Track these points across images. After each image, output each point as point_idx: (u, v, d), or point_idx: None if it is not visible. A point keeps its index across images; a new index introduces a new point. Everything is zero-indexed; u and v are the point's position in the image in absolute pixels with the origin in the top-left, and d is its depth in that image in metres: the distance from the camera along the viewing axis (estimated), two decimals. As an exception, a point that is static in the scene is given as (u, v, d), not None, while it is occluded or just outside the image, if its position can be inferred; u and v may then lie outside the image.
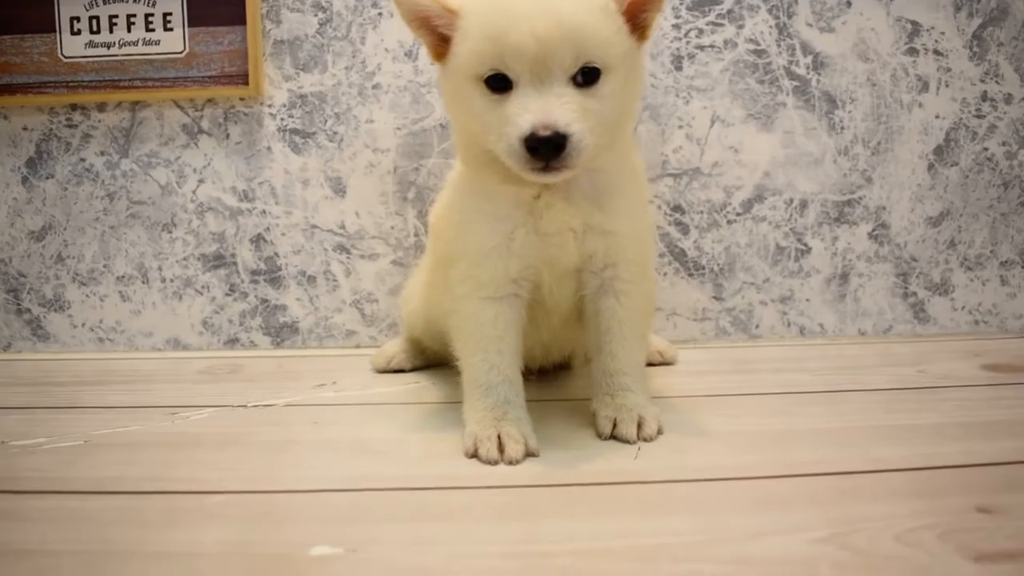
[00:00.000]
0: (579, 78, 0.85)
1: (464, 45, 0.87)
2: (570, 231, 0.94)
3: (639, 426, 0.93)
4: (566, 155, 0.83)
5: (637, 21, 0.90)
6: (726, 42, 1.35)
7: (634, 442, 0.92)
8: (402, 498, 0.80)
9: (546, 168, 0.84)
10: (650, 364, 1.20)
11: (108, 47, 1.33)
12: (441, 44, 0.91)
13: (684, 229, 1.38)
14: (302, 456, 0.91)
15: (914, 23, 1.37)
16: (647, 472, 0.84)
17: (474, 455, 0.88)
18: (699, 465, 0.86)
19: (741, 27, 1.35)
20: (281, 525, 0.74)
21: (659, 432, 0.94)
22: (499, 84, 0.86)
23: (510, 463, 0.86)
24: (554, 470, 0.85)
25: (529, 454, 0.88)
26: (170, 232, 1.38)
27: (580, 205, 0.93)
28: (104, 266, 1.39)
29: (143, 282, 1.39)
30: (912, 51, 1.37)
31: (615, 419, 0.93)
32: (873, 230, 1.40)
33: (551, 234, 0.94)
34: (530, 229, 0.93)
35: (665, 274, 1.38)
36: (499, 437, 0.88)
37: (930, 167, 1.39)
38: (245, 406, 1.09)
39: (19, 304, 1.39)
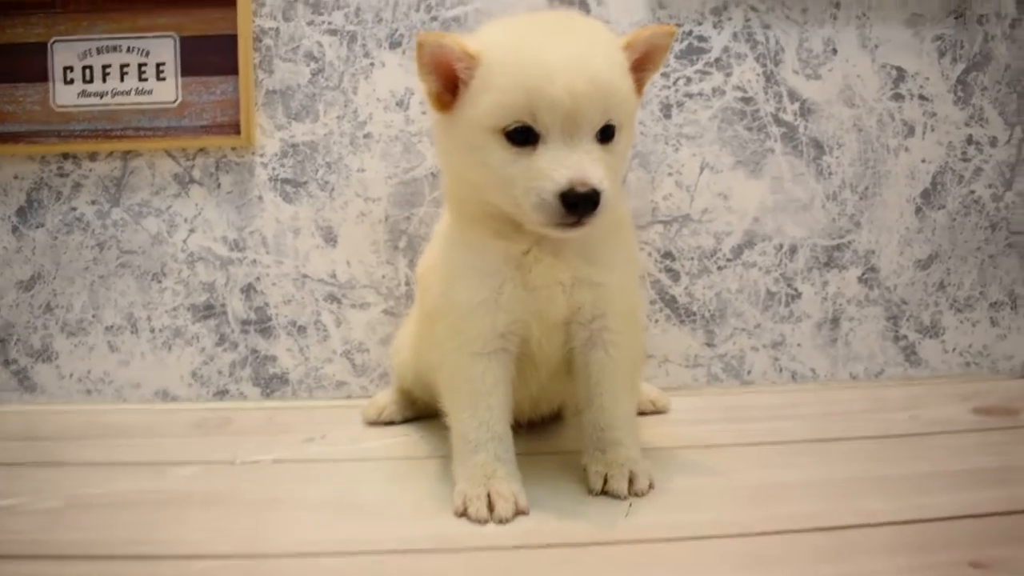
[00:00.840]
0: (599, 135, 0.86)
1: (485, 96, 0.86)
2: (558, 284, 0.94)
3: (630, 481, 0.92)
4: (598, 211, 0.84)
5: (636, 79, 0.92)
6: (714, 90, 1.36)
7: (625, 498, 0.91)
8: (390, 562, 0.79)
9: (576, 223, 0.84)
10: (642, 413, 1.19)
11: (101, 96, 1.33)
12: (447, 93, 0.90)
13: (675, 276, 1.38)
14: (289, 516, 0.90)
15: (899, 69, 1.38)
16: (638, 530, 0.84)
17: (463, 514, 0.87)
18: (690, 522, 0.85)
19: (729, 75, 1.36)
20: (267, 592, 0.74)
21: (650, 487, 0.93)
22: (523, 137, 0.85)
23: (500, 522, 0.86)
24: (544, 529, 0.85)
25: (519, 512, 0.88)
26: (160, 282, 1.37)
27: (569, 259, 0.94)
28: (93, 316, 1.38)
29: (132, 332, 1.38)
30: (898, 96, 1.38)
31: (606, 474, 0.93)
32: (863, 274, 1.40)
33: (539, 288, 0.94)
34: (518, 283, 0.93)
35: (656, 321, 1.38)
36: (488, 495, 0.87)
37: (918, 210, 1.40)
38: (232, 463, 1.08)
39: (6, 355, 1.38)
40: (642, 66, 0.92)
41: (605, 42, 0.89)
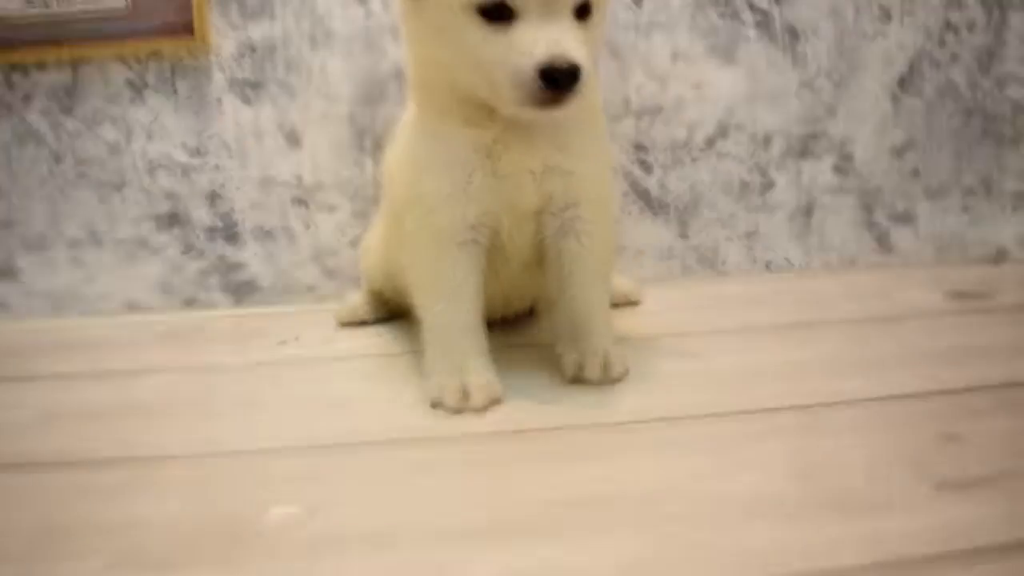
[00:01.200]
0: (576, 11, 0.83)
1: None
2: (529, 172, 0.91)
3: (605, 368, 0.91)
4: (578, 89, 0.80)
5: None
6: (685, -25, 1.32)
7: (600, 383, 0.91)
8: (365, 454, 0.79)
9: (553, 101, 0.81)
10: (615, 306, 1.19)
11: (46, 4, 1.27)
12: None
13: (647, 168, 1.36)
14: (265, 416, 0.89)
15: (875, -50, 1.34)
16: (614, 414, 0.84)
17: (438, 405, 0.87)
18: (666, 404, 0.85)
19: (699, -41, 1.32)
20: (240, 488, 0.73)
21: (625, 373, 0.93)
22: (498, 14, 0.81)
23: (475, 411, 0.85)
24: (519, 416, 0.84)
25: (494, 401, 0.87)
26: (120, 192, 1.34)
27: (539, 146, 0.91)
28: (55, 230, 1.35)
29: (95, 245, 1.35)
30: (874, -21, 1.35)
31: (580, 362, 0.92)
32: (837, 162, 1.39)
33: (509, 176, 0.91)
34: (487, 172, 0.90)
35: (629, 213, 1.37)
36: (463, 385, 0.87)
37: (893, 98, 1.38)
38: (206, 367, 1.06)
39: (-32, 272, 1.35)
40: None
41: None
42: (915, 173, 1.40)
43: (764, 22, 1.34)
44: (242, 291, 1.36)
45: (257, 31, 1.29)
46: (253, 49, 1.30)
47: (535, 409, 0.86)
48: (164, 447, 0.83)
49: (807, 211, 1.39)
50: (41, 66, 1.30)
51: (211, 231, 1.35)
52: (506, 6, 0.81)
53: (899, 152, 1.40)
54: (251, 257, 1.35)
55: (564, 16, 0.82)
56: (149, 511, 0.69)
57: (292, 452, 0.80)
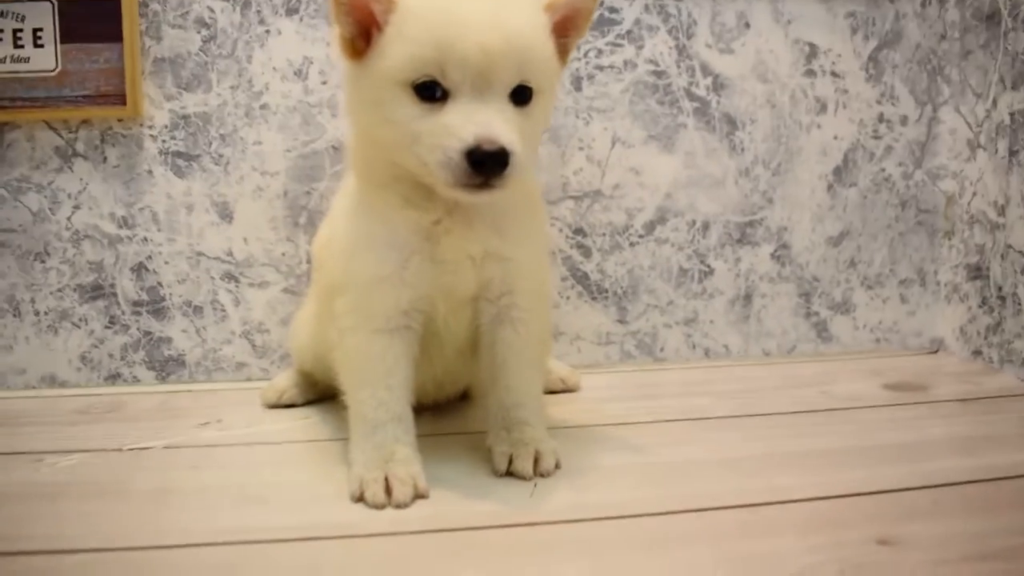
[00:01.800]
0: (513, 96, 0.82)
1: (397, 47, 0.81)
2: (468, 258, 0.89)
3: (536, 461, 0.88)
4: (507, 173, 0.78)
5: (559, 44, 0.87)
6: (626, 63, 1.33)
7: (531, 478, 0.88)
8: (280, 551, 0.74)
9: (482, 185, 0.79)
10: (552, 392, 1.17)
11: (-26, 65, 1.24)
12: (360, 39, 0.84)
13: (586, 252, 1.35)
14: (177, 506, 0.85)
15: (812, 45, 1.37)
16: (543, 512, 0.81)
17: (360, 499, 0.83)
18: (598, 502, 0.82)
19: (641, 48, 1.33)
20: (140, 587, 0.68)
21: (557, 467, 0.90)
22: (431, 93, 0.80)
23: (398, 507, 0.82)
24: (445, 512, 0.81)
25: (419, 496, 0.83)
26: (43, 262, 1.28)
27: (479, 231, 0.89)
28: (-29, 299, 1.29)
29: (14, 315, 1.29)
30: (810, 72, 1.38)
31: (511, 454, 0.89)
32: (775, 250, 1.39)
33: (448, 262, 0.89)
34: (425, 257, 0.88)
35: (568, 298, 1.35)
36: (386, 479, 0.83)
37: (829, 187, 1.40)
38: (120, 450, 1.01)
39: None
40: (564, 30, 0.87)
41: (526, 1, 0.84)
42: (852, 263, 1.42)
43: (702, 110, 1.35)
44: (167, 367, 1.31)
45: (192, 102, 1.27)
46: (187, 120, 1.27)
47: (462, 505, 0.83)
48: (64, 538, 0.77)
49: (746, 299, 1.39)
50: (-34, 129, 1.26)
51: (137, 304, 1.30)
52: (439, 85, 0.80)
53: (835, 241, 1.41)
54: (178, 332, 1.30)
55: (498, 98, 0.80)
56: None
57: (202, 549, 0.75)
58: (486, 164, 0.78)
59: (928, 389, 1.21)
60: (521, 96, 0.83)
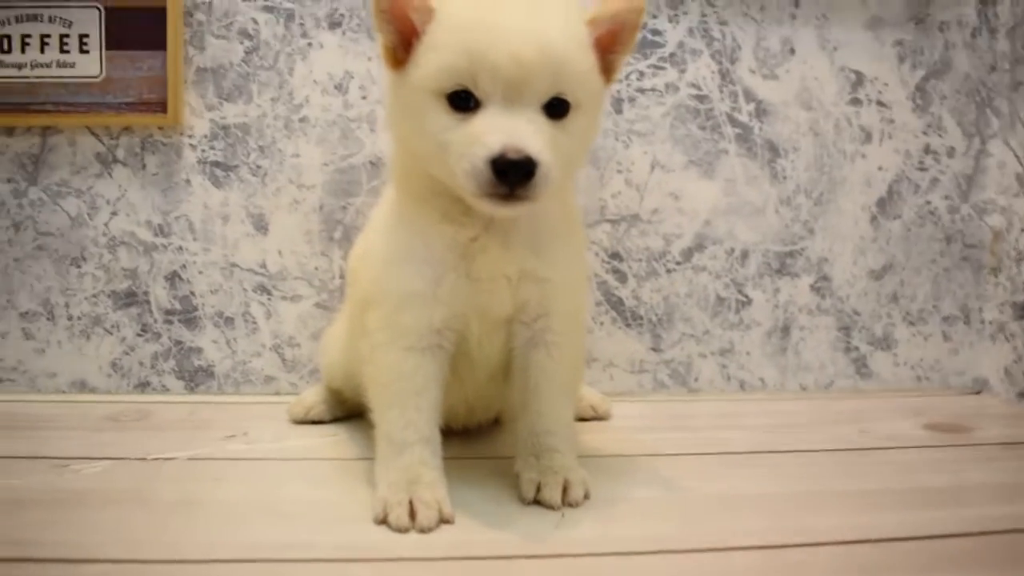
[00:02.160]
0: (549, 108, 0.80)
1: (432, 56, 0.80)
2: (504, 277, 0.88)
3: (564, 490, 0.86)
4: (534, 184, 0.77)
5: (605, 61, 0.86)
6: (667, 86, 1.31)
7: (558, 508, 0.85)
8: (300, 571, 0.73)
9: (509, 196, 0.77)
10: (582, 419, 1.15)
11: (19, 68, 1.25)
12: (401, 48, 0.83)
13: (622, 277, 1.33)
14: (197, 519, 0.84)
15: (858, 73, 1.35)
16: (569, 544, 0.79)
17: (384, 521, 0.81)
18: (624, 536, 0.80)
19: (683, 71, 1.31)
20: (158, 605, 0.67)
21: (586, 497, 0.88)
22: (464, 103, 0.79)
23: (422, 531, 0.80)
24: (469, 540, 0.79)
25: (443, 521, 0.82)
26: (79, 267, 1.29)
27: (517, 250, 0.87)
28: (7, 301, 1.29)
29: (48, 319, 1.30)
30: (856, 101, 1.35)
31: (539, 482, 0.87)
32: (815, 282, 1.36)
33: (483, 280, 0.87)
34: (461, 274, 0.87)
35: (602, 324, 1.33)
36: (411, 502, 0.81)
37: (873, 219, 1.37)
38: (145, 459, 1.00)
39: (-88, 340, 1.29)
40: (610, 46, 0.85)
41: (565, 12, 0.83)
42: (894, 297, 1.38)
43: (744, 136, 1.33)
44: (196, 378, 1.31)
45: (232, 112, 1.27)
46: (227, 130, 1.27)
47: (487, 533, 0.81)
48: (86, 547, 0.77)
49: (784, 331, 1.36)
50: (9, 131, 1.27)
51: (169, 313, 1.30)
52: (471, 95, 0.79)
53: (878, 275, 1.38)
54: (208, 343, 1.30)
55: (529, 109, 0.79)
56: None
57: (219, 567, 0.74)
58: (510, 173, 0.76)
59: (970, 431, 1.17)
60: (557, 109, 0.81)
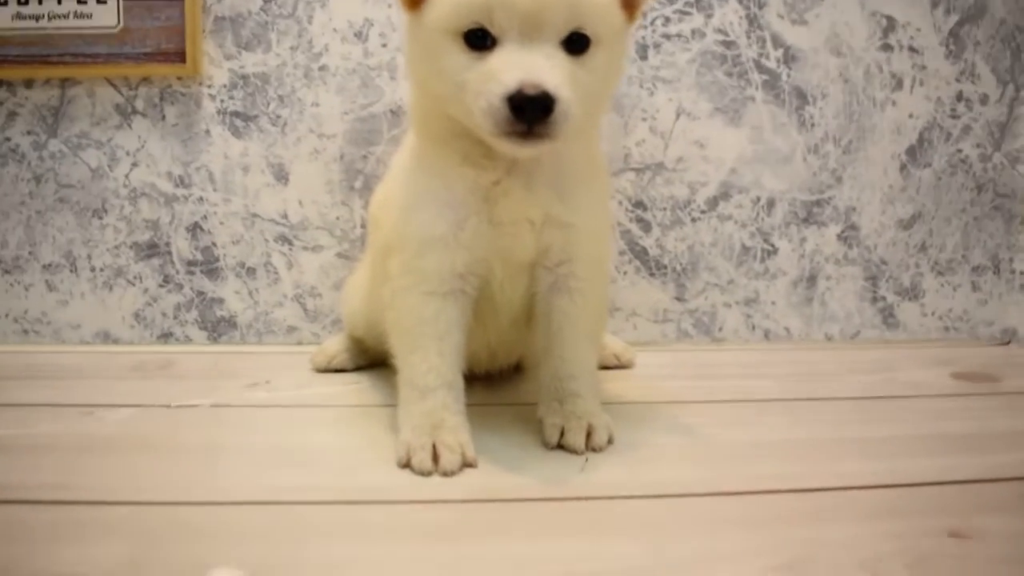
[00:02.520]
0: (568, 44, 0.78)
1: None
2: (527, 221, 0.86)
3: (588, 435, 0.86)
4: (552, 120, 0.75)
5: None
6: (693, 32, 1.29)
7: (582, 452, 0.85)
8: (322, 513, 0.73)
9: (527, 134, 0.76)
10: (605, 367, 1.14)
11: (36, 19, 1.24)
12: None
13: (646, 226, 1.31)
14: (222, 463, 0.83)
15: (889, 18, 1.31)
16: (593, 487, 0.78)
17: (407, 465, 0.81)
18: (650, 480, 0.79)
19: (710, 16, 1.29)
20: (182, 542, 0.67)
21: (609, 442, 0.87)
22: (481, 41, 0.78)
23: (445, 474, 0.79)
24: (493, 483, 0.78)
25: (466, 464, 0.81)
26: (101, 218, 1.29)
27: (541, 194, 0.86)
28: (30, 253, 1.30)
29: (71, 271, 1.30)
30: (887, 47, 1.32)
31: (563, 427, 0.86)
32: (842, 232, 1.34)
33: (506, 224, 0.86)
34: (483, 218, 0.85)
35: (625, 273, 1.32)
36: (434, 446, 0.81)
37: (902, 168, 1.34)
38: (169, 406, 1.01)
39: (-63, 292, 1.30)
40: None
41: None
42: (922, 247, 1.36)
43: (771, 83, 1.31)
44: (219, 328, 1.31)
45: (251, 62, 1.26)
46: (246, 80, 1.26)
47: (510, 476, 0.80)
48: (113, 490, 0.77)
49: (810, 281, 1.34)
50: (28, 83, 1.27)
51: (191, 264, 1.30)
52: (487, 32, 0.77)
53: (906, 224, 1.35)
54: (230, 293, 1.30)
55: (547, 44, 0.77)
56: (76, 561, 0.63)
57: (245, 507, 0.74)
58: (527, 110, 0.74)
59: (999, 380, 1.15)
60: (577, 45, 0.79)
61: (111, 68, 1.25)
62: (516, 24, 0.76)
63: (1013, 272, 1.38)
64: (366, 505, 0.75)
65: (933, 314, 1.38)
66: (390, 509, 0.74)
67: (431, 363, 0.86)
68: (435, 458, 0.80)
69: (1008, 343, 1.37)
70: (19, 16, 1.24)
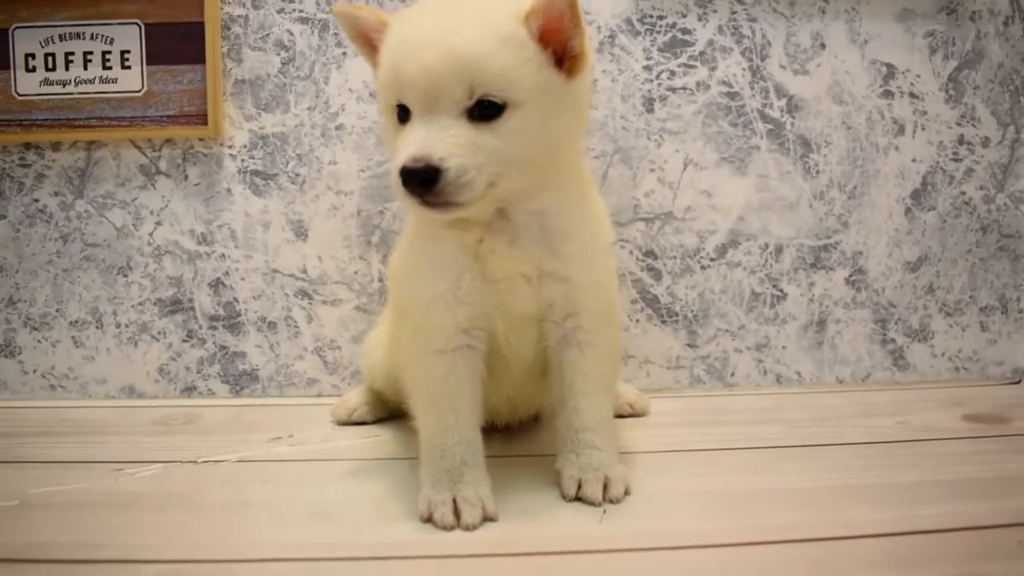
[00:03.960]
0: (476, 111, 0.81)
1: (379, 72, 0.86)
2: (521, 277, 0.89)
3: (605, 487, 0.88)
4: (439, 189, 0.79)
5: (559, 53, 0.83)
6: (698, 84, 1.32)
7: (600, 504, 0.87)
8: (347, 570, 0.75)
9: (425, 203, 0.80)
10: (620, 416, 1.16)
11: (64, 85, 1.29)
12: (376, 65, 0.89)
13: (657, 275, 1.34)
14: (249, 520, 0.86)
15: (889, 66, 1.35)
16: (612, 539, 0.80)
17: (429, 520, 0.83)
18: (667, 531, 0.81)
19: (714, 69, 1.32)
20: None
21: (626, 493, 0.89)
22: (404, 115, 0.83)
23: (466, 529, 0.82)
24: (513, 536, 0.81)
25: (487, 518, 0.83)
26: (126, 276, 1.33)
27: (528, 250, 0.89)
28: (57, 310, 1.33)
29: (97, 327, 1.34)
30: (887, 94, 1.35)
31: (580, 479, 0.89)
32: (850, 275, 1.36)
33: (499, 280, 0.89)
34: (476, 275, 0.88)
35: (637, 321, 1.34)
36: (455, 501, 0.83)
37: (907, 211, 1.37)
38: (195, 462, 1.03)
39: (-33, 350, 1.34)
40: (557, 36, 0.82)
41: (487, 15, 0.82)
42: (930, 289, 1.38)
43: (776, 132, 1.34)
44: (241, 381, 1.34)
45: (270, 122, 1.30)
46: (265, 140, 1.30)
47: (530, 529, 0.82)
48: (141, 549, 0.79)
49: (819, 324, 1.37)
50: (56, 146, 1.31)
51: (213, 319, 1.33)
52: (405, 107, 0.83)
53: (913, 267, 1.37)
54: (252, 347, 1.33)
55: (445, 116, 0.80)
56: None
57: (271, 564, 0.76)
58: (409, 182, 0.79)
59: (1009, 421, 1.17)
60: (488, 111, 0.81)
61: (136, 131, 1.29)
62: (419, 99, 0.81)
63: (1021, 312, 1.40)
64: (390, 560, 0.77)
65: (943, 355, 1.39)
66: (414, 564, 0.76)
67: (447, 422, 0.89)
68: (456, 513, 0.83)
69: (1019, 382, 1.39)
70: (47, 82, 1.29)
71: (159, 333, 1.33)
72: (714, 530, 0.81)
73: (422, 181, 0.78)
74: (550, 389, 0.96)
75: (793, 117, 1.34)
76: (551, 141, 0.85)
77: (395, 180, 0.80)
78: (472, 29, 0.80)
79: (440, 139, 0.79)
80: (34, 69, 1.29)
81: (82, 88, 1.29)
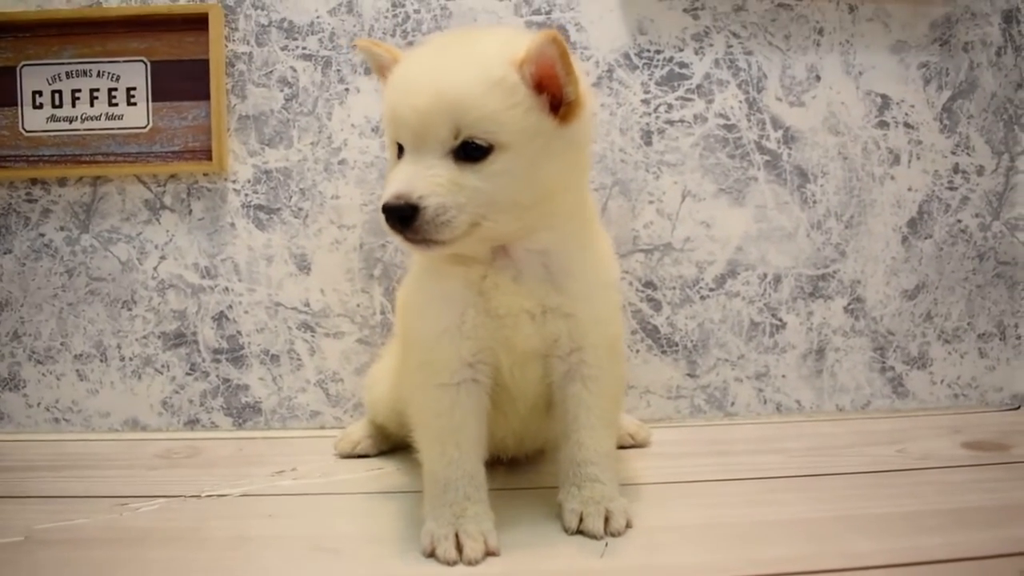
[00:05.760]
0: (462, 152, 0.82)
1: (383, 109, 0.91)
2: (524, 312, 0.90)
3: (606, 520, 0.88)
4: (417, 226, 0.81)
5: (553, 98, 0.85)
6: (696, 117, 1.34)
7: (601, 537, 0.87)
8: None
9: (406, 239, 0.83)
10: (621, 447, 1.16)
11: (70, 121, 1.31)
12: None
13: (656, 305, 1.35)
14: (253, 556, 0.87)
15: (884, 96, 1.36)
16: (613, 572, 0.81)
17: (431, 554, 0.84)
18: (668, 564, 0.82)
19: (711, 102, 1.34)
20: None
21: (628, 526, 0.89)
22: (400, 152, 0.86)
23: (469, 564, 0.82)
24: (515, 570, 0.81)
25: (489, 553, 0.84)
26: (130, 309, 1.34)
27: (532, 286, 0.90)
28: (61, 344, 1.34)
29: (101, 360, 1.34)
30: (883, 124, 1.37)
31: (581, 512, 0.89)
32: (848, 304, 1.38)
33: (503, 316, 0.90)
34: (480, 310, 0.90)
35: (638, 351, 1.35)
36: (457, 536, 0.84)
37: (904, 240, 1.38)
38: (199, 496, 1.04)
39: (-28, 384, 1.35)
40: (550, 81, 0.84)
41: (481, 58, 0.83)
42: (928, 316, 1.39)
43: (773, 163, 1.35)
44: (244, 414, 1.34)
45: (273, 158, 1.32)
46: (269, 175, 1.32)
47: (532, 563, 0.83)
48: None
49: (819, 353, 1.37)
50: (62, 182, 1.33)
51: (217, 352, 1.34)
52: (401, 145, 0.86)
53: (911, 295, 1.39)
54: (255, 380, 1.34)
55: (431, 155, 0.82)
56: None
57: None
58: (390, 218, 0.81)
59: (1009, 448, 1.17)
60: (474, 153, 0.82)
61: (141, 166, 1.31)
62: (410, 138, 0.84)
63: (1019, 338, 1.41)
64: (394, 597, 0.77)
65: (942, 382, 1.40)
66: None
67: (450, 456, 0.89)
68: (459, 547, 0.83)
69: (1018, 408, 1.39)
70: (53, 118, 1.31)
71: (163, 366, 1.34)
72: (715, 563, 0.82)
73: (400, 218, 0.81)
74: (553, 423, 0.97)
75: (790, 148, 1.36)
76: (541, 184, 0.86)
77: (381, 215, 0.82)
78: (462, 72, 0.83)
79: (423, 177, 0.81)
80: (41, 106, 1.31)
81: (88, 124, 1.31)
